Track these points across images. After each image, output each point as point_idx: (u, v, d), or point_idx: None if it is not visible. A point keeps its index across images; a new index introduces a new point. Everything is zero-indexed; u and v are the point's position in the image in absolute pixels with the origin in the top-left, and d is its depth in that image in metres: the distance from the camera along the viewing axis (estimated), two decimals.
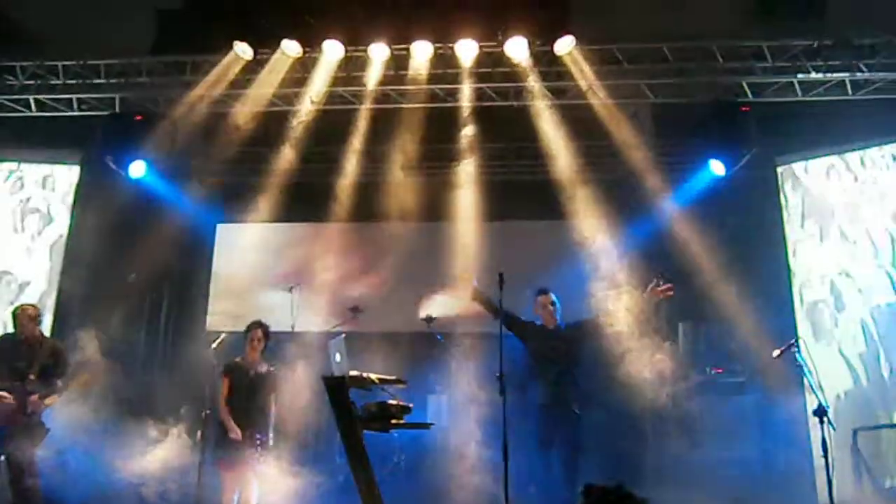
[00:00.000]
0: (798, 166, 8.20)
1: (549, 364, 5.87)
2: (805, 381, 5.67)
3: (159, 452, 5.95)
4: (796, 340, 5.65)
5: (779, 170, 8.25)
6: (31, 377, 5.85)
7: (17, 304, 6.76)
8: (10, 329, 6.22)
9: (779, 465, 6.67)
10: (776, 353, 5.70)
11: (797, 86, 7.33)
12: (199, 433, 5.60)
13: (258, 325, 6.22)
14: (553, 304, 6.09)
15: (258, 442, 5.79)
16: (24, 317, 6.05)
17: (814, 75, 7.16)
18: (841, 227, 7.81)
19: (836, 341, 7.58)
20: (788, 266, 8.00)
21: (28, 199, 8.78)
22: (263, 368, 6.11)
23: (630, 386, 6.98)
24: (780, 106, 7.55)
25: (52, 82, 7.94)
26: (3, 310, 8.25)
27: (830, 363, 7.40)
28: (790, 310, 7.84)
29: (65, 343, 6.55)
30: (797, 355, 5.51)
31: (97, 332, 7.15)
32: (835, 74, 7.13)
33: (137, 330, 8.62)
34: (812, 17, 7.54)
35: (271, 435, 6.04)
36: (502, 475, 4.72)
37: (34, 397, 5.81)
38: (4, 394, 5.71)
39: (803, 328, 7.72)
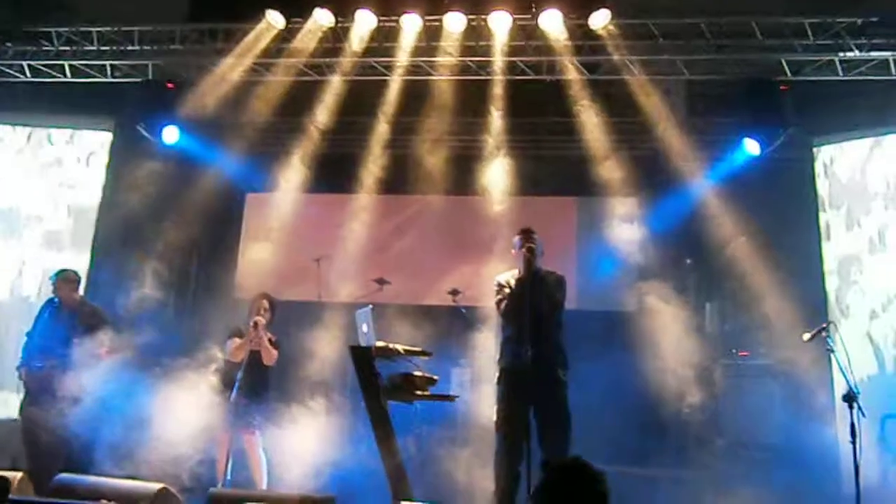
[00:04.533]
0: (835, 148, 8.01)
1: (514, 316, 5.15)
2: (834, 365, 5.61)
3: (188, 416, 6.00)
4: (828, 324, 5.58)
5: (815, 151, 8.07)
6: (76, 341, 5.94)
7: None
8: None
9: (804, 450, 6.61)
10: (807, 336, 5.65)
11: (838, 64, 7.13)
12: (231, 395, 5.63)
13: (263, 295, 6.22)
14: (524, 245, 5.20)
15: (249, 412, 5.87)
16: (64, 282, 6.14)
17: (857, 53, 6.96)
18: (878, 210, 7.64)
19: (866, 327, 7.44)
20: (821, 249, 7.85)
21: (55, 162, 8.86)
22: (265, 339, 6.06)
23: (652, 368, 6.96)
24: (818, 85, 7.35)
25: (87, 48, 7.97)
26: (33, 252, 8.46)
27: (859, 348, 7.28)
28: (821, 293, 7.70)
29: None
30: (828, 339, 5.45)
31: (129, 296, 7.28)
32: (879, 53, 6.92)
33: (166, 296, 8.71)
34: None
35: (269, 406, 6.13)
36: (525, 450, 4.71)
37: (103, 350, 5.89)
38: None
39: (834, 312, 7.60)
